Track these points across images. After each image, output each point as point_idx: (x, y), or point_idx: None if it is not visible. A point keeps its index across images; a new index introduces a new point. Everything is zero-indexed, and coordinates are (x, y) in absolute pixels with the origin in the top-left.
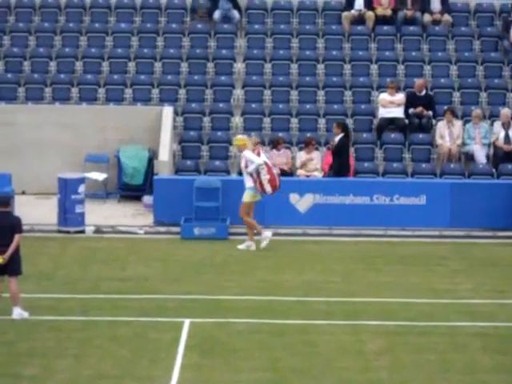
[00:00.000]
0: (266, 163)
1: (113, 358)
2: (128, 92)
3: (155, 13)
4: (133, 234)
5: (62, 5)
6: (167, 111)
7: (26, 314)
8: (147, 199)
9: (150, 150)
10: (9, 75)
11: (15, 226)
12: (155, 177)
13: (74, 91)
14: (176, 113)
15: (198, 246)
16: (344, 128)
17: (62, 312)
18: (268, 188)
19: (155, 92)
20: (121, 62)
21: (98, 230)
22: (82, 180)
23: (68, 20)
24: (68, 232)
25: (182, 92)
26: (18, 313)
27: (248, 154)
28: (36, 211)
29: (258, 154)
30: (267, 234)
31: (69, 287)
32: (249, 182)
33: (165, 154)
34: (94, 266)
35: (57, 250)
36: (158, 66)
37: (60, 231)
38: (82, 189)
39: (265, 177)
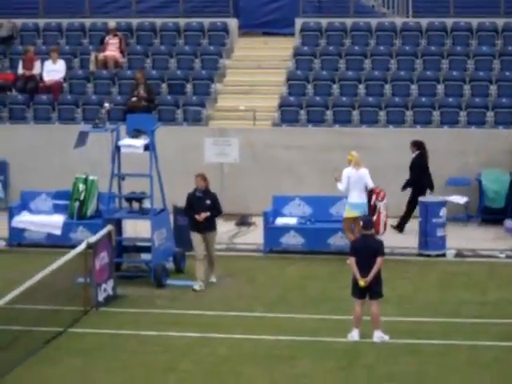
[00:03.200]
0: None
1: (474, 383)
2: (490, 115)
3: None
4: (494, 257)
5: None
6: None
7: (386, 338)
8: (509, 223)
9: (511, 174)
10: (370, 99)
11: (378, 249)
12: None
13: (436, 114)
14: None
15: None
16: (419, 146)
17: (422, 335)
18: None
19: None
20: (481, 85)
21: (458, 254)
22: (443, 203)
23: (430, 43)
24: (429, 256)
25: None
26: (378, 336)
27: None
28: (397, 235)
29: None
30: None
31: (429, 311)
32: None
33: None
34: (455, 289)
35: (417, 273)
36: None
37: (421, 255)
38: (443, 212)
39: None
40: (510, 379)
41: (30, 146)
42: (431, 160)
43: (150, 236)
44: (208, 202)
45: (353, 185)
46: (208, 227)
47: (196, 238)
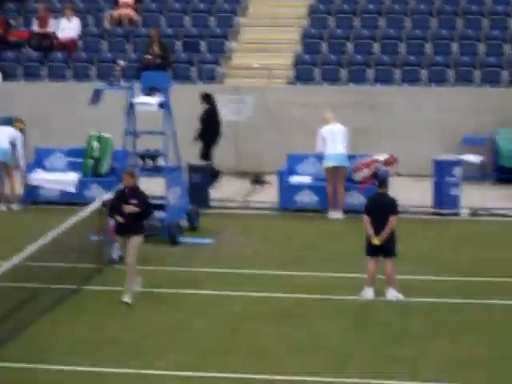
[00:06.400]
0: None
1: (486, 342)
2: (505, 74)
3: None
4: (509, 216)
5: None
6: None
7: (400, 296)
8: None
9: None
10: (385, 57)
11: (391, 207)
12: None
13: (451, 73)
14: None
15: None
16: (209, 100)
17: (436, 294)
18: None
19: None
20: (495, 43)
21: (473, 213)
22: (457, 162)
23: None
24: (443, 214)
25: None
26: (393, 294)
27: None
28: (411, 193)
29: None
30: None
31: (443, 269)
32: None
33: None
34: (469, 248)
35: (432, 231)
36: None
37: (435, 213)
38: (457, 171)
39: None
40: None
41: (45, 103)
42: (447, 119)
43: (164, 194)
44: (135, 201)
45: (331, 138)
46: (131, 229)
47: (119, 241)
